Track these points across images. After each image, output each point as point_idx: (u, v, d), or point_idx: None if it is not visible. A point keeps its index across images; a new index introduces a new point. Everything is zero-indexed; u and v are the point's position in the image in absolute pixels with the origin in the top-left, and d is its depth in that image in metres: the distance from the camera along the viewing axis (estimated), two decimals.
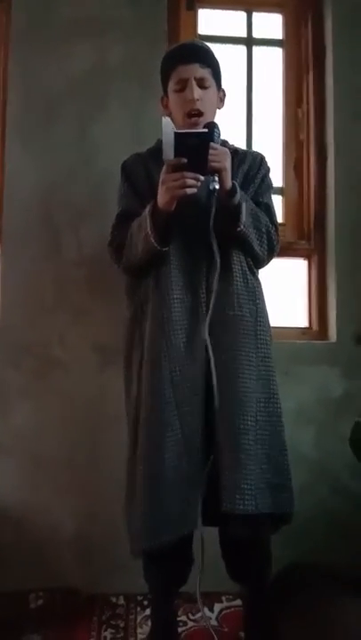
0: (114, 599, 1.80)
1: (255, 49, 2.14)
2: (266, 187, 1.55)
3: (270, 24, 2.17)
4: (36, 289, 1.91)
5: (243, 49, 2.13)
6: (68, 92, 1.96)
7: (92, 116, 1.96)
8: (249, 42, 2.14)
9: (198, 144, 1.26)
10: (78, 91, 1.96)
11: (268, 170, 1.57)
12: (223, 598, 1.76)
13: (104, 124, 1.96)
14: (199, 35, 2.09)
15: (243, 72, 2.11)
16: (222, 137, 1.50)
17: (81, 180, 1.94)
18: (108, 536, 1.84)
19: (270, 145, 2.09)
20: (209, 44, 1.56)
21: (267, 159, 1.58)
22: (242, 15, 2.15)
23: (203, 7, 2.12)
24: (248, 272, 1.46)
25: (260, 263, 1.53)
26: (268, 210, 1.52)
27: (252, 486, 1.30)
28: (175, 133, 1.25)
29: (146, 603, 1.77)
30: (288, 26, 2.16)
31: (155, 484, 1.31)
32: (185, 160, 1.26)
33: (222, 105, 1.56)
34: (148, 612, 1.73)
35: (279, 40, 2.16)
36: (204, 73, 1.47)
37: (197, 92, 1.45)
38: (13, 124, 1.96)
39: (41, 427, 1.88)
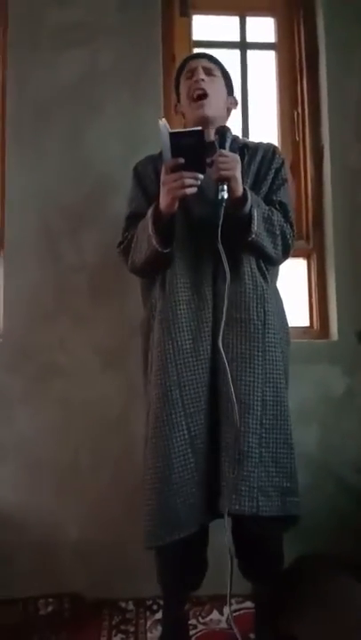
0: (123, 604, 1.80)
1: (249, 52, 2.16)
2: (279, 182, 1.53)
3: (263, 28, 2.18)
4: (37, 295, 1.92)
5: (237, 53, 2.14)
6: (62, 99, 1.97)
7: (86, 122, 1.97)
8: (243, 46, 2.16)
9: (193, 143, 1.26)
10: (72, 97, 1.98)
11: (280, 163, 1.54)
12: (233, 601, 1.75)
13: (98, 129, 1.97)
14: (193, 40, 2.11)
15: (238, 76, 2.12)
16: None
17: (77, 186, 1.95)
18: (112, 540, 1.84)
19: None
20: (203, 49, 1.63)
21: (279, 150, 1.58)
22: (235, 20, 2.17)
23: (196, 13, 2.14)
24: (258, 275, 1.44)
25: (275, 263, 1.53)
26: (283, 207, 1.50)
27: (251, 488, 1.30)
28: (170, 133, 1.26)
29: (155, 607, 1.76)
30: (280, 29, 2.18)
31: (162, 486, 1.31)
32: (182, 160, 1.27)
33: (234, 107, 1.61)
34: (157, 616, 1.72)
35: (272, 43, 2.19)
36: (212, 66, 1.54)
37: (202, 74, 1.51)
38: (10, 131, 1.97)
39: (43, 431, 1.88)
